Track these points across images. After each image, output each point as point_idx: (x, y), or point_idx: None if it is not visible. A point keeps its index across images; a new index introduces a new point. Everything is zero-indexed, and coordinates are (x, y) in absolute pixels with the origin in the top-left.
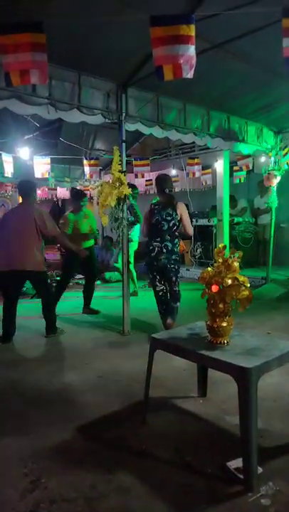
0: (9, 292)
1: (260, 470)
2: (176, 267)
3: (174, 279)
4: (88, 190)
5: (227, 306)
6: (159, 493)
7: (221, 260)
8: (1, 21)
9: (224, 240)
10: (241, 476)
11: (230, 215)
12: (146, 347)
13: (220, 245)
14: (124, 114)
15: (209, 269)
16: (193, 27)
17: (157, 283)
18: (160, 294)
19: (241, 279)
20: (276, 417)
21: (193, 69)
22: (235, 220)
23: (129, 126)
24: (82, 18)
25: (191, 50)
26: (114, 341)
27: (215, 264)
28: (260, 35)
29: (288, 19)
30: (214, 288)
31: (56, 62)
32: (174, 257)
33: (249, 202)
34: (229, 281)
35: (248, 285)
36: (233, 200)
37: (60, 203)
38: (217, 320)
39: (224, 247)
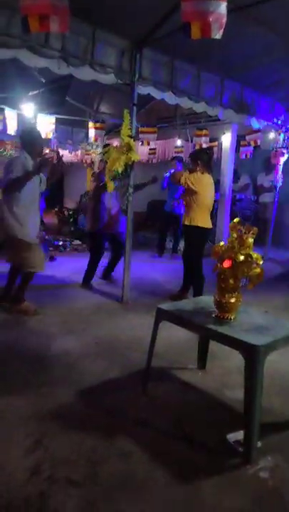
0: None
1: (258, 444)
2: None
3: None
4: (90, 155)
5: (237, 282)
6: (161, 461)
7: (235, 235)
8: None
9: (225, 216)
10: (240, 449)
11: (233, 190)
12: (144, 316)
13: (235, 220)
14: (137, 76)
15: (222, 243)
16: None
17: None
18: None
19: (254, 255)
20: (274, 394)
21: (222, 29)
22: (238, 196)
23: (142, 90)
24: None
25: (222, 7)
26: (112, 309)
27: (228, 239)
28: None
29: None
30: (226, 263)
31: (71, 14)
32: None
33: (252, 179)
34: (242, 257)
35: (261, 262)
36: (235, 175)
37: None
38: (226, 295)
39: (239, 222)
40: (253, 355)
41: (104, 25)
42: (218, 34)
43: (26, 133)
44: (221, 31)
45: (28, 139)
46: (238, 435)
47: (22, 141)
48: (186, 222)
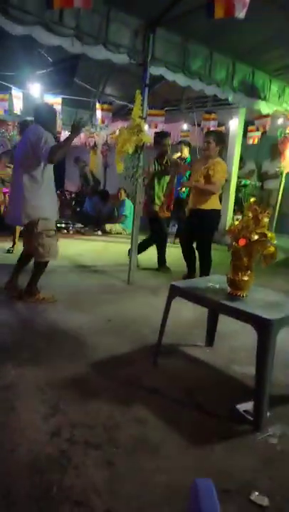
0: None
1: (267, 414)
2: None
3: None
4: (93, 137)
5: (251, 260)
6: (174, 426)
7: (250, 215)
8: None
9: (230, 202)
10: (250, 418)
11: (238, 177)
12: (150, 296)
13: (251, 200)
14: (150, 56)
15: (237, 222)
16: None
17: None
18: None
19: (269, 235)
20: (278, 370)
21: (246, 8)
22: (243, 182)
23: (154, 70)
24: None
25: None
26: (119, 289)
27: (244, 218)
28: None
29: None
30: (241, 242)
31: None
32: None
33: (257, 165)
34: (256, 236)
35: (275, 241)
36: (241, 161)
37: None
38: (239, 273)
39: (255, 202)
40: (266, 328)
41: (118, 4)
42: (241, 13)
43: (46, 110)
44: (245, 10)
45: (48, 115)
46: (248, 405)
47: (41, 118)
48: (204, 207)
